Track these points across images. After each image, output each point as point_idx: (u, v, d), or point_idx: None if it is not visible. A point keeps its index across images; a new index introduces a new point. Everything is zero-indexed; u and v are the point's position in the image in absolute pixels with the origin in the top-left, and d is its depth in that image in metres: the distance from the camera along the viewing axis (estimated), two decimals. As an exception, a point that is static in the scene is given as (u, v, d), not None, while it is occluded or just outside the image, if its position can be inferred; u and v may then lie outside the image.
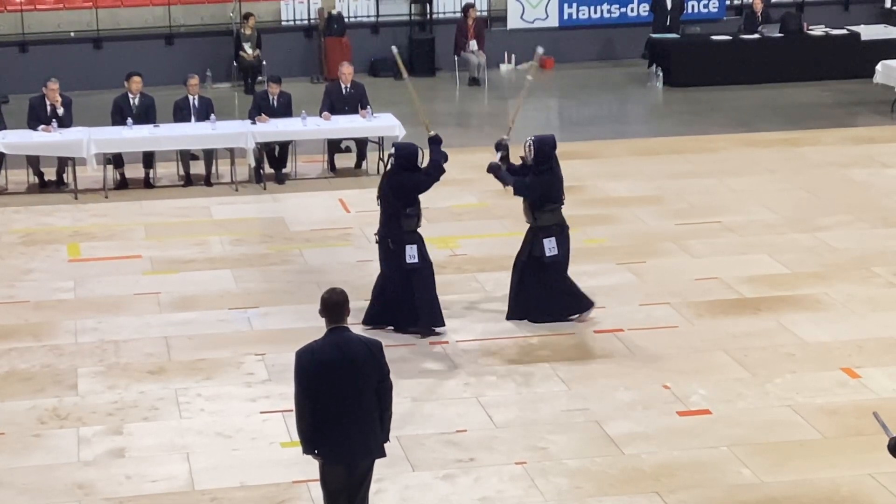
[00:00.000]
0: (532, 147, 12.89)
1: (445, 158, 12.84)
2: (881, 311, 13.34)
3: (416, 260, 12.58)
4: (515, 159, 13.08)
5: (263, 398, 11.43)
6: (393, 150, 12.75)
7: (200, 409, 11.27)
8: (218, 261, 14.96)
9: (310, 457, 8.56)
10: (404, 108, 19.66)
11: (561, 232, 12.96)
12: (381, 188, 12.72)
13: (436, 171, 12.69)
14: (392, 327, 12.76)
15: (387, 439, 8.63)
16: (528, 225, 13.06)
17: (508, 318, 13.10)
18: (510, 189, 13.05)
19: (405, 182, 12.53)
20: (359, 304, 12.95)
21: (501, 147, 13.10)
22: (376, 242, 12.79)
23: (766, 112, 22.12)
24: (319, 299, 8.43)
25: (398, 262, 12.58)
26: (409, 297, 12.64)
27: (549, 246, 12.86)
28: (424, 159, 12.67)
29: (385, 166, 12.82)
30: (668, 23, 25.00)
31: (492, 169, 12.98)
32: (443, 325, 12.80)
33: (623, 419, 11.01)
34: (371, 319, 12.81)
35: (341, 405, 8.33)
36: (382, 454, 8.63)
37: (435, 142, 12.87)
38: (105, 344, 12.63)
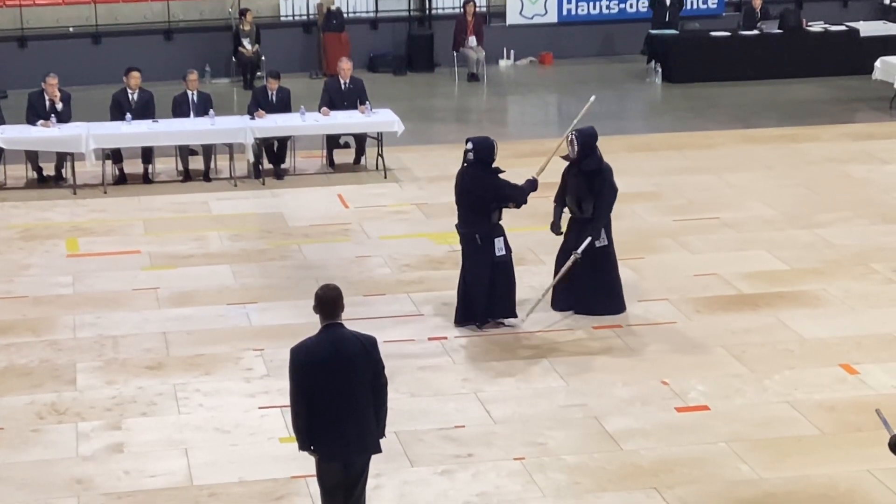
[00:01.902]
0: (576, 141, 12.79)
1: (534, 188, 12.69)
2: (880, 307, 13.34)
3: (504, 252, 12.56)
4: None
5: (262, 393, 11.43)
6: (469, 146, 12.44)
7: (199, 404, 11.26)
8: (216, 256, 14.95)
9: (306, 453, 8.57)
10: (403, 103, 19.68)
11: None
12: (462, 185, 12.51)
13: (521, 194, 12.50)
14: (478, 325, 12.66)
15: (383, 435, 8.63)
16: (572, 217, 12.97)
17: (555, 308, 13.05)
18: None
19: (488, 184, 12.36)
20: (356, 299, 12.98)
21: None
22: (468, 238, 12.53)
23: (764, 108, 22.10)
24: (313, 296, 8.44)
25: (489, 257, 12.48)
26: (492, 290, 12.57)
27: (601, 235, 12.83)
28: (496, 151, 12.49)
29: (463, 163, 12.59)
30: (667, 19, 24.98)
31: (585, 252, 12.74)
32: (516, 315, 12.80)
33: (621, 415, 11.01)
34: (462, 319, 12.73)
35: (336, 402, 8.32)
36: (378, 450, 8.62)
37: (533, 184, 12.68)
38: (104, 339, 12.62)
